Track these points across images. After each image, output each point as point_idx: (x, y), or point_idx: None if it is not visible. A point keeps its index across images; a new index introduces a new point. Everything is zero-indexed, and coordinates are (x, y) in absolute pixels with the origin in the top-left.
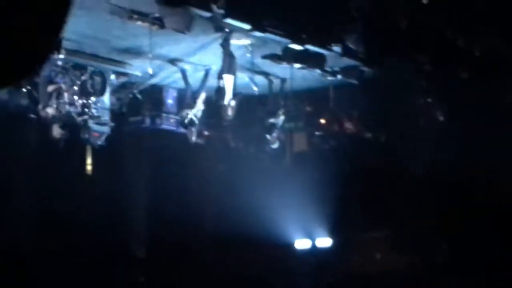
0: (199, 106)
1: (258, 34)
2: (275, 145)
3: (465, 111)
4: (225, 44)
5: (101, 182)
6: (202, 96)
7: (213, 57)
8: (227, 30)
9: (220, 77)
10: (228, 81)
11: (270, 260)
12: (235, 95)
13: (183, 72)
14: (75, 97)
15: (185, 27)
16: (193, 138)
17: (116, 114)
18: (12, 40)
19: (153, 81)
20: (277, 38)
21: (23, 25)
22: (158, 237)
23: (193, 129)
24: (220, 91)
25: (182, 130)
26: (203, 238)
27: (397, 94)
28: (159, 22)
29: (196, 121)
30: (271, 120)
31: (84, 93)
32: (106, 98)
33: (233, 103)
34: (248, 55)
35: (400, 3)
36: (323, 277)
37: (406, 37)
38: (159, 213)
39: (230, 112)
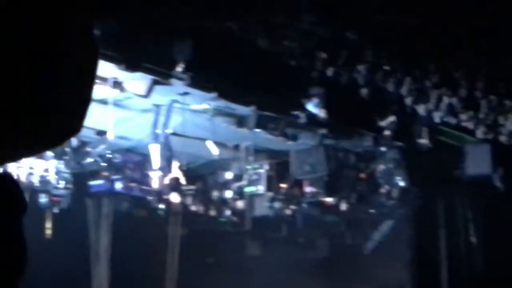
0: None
1: (220, 100)
2: (239, 209)
3: None
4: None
5: (61, 246)
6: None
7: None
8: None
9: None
10: (153, 150)
11: None
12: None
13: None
14: (35, 161)
15: (145, 92)
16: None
17: (76, 178)
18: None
19: (114, 144)
20: (239, 105)
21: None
22: None
23: (176, 194)
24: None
25: (141, 194)
26: None
27: (359, 160)
28: (119, 86)
29: (175, 185)
30: (234, 184)
31: (43, 156)
32: (66, 162)
33: (157, 174)
34: (208, 120)
35: (361, 71)
36: None
37: (368, 104)
38: (120, 277)
39: (155, 182)
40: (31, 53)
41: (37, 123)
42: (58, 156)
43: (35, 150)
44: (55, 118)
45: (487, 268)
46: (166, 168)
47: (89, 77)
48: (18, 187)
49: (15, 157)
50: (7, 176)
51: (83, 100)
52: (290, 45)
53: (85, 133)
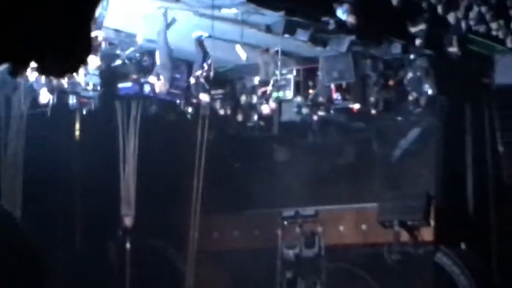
0: (209, 72)
1: (248, 5)
2: (265, 114)
3: None
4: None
5: (90, 147)
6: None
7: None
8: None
9: None
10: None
11: None
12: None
13: (200, 40)
14: None
15: None
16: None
17: (105, 80)
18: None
19: (144, 47)
20: (268, 10)
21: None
22: (146, 203)
23: (204, 94)
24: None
25: (170, 97)
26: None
27: (387, 67)
28: None
29: (207, 86)
30: (262, 89)
31: None
32: (95, 64)
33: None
34: (237, 25)
35: None
36: None
37: (398, 11)
38: (147, 179)
39: (158, 86)
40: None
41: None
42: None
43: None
44: (67, 57)
45: None
46: (198, 69)
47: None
48: None
49: None
50: None
51: (84, 45)
52: None
53: (115, 35)
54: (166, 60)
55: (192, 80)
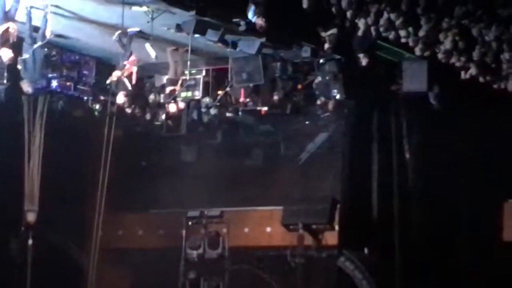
0: (131, 70)
1: (159, 3)
2: (173, 113)
3: None
4: None
5: None
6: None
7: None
8: None
9: None
10: None
11: None
12: None
13: (120, 38)
14: None
15: None
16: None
17: (11, 74)
18: None
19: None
20: (179, 9)
21: None
22: (50, 199)
23: (122, 93)
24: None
25: (77, 93)
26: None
27: (296, 71)
28: None
29: (129, 86)
30: (170, 88)
31: None
32: (8, 56)
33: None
34: (148, 22)
35: None
36: None
37: (308, 15)
38: (52, 175)
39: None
40: None
41: None
42: None
43: None
44: None
45: (418, 184)
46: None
47: None
48: None
49: None
50: None
51: None
52: None
53: (22, 29)
54: (28, 59)
55: (114, 78)
